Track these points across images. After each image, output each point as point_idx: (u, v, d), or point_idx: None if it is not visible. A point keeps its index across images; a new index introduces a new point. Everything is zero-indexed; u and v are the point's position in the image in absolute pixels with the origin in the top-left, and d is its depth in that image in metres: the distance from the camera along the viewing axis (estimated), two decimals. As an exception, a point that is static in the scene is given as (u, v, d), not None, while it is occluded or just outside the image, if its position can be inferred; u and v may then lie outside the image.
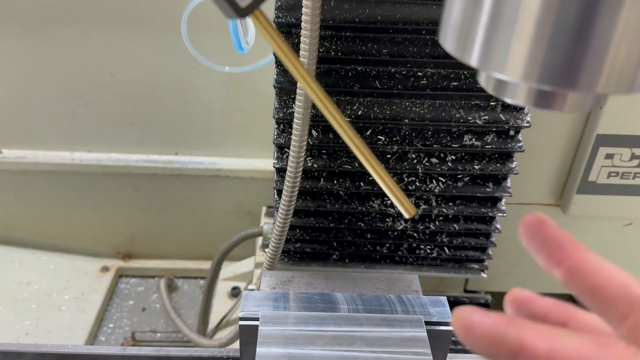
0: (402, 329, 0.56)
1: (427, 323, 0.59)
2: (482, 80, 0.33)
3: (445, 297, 0.61)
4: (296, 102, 0.61)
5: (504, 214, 0.77)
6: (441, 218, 0.79)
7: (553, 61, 0.27)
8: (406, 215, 0.36)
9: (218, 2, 0.29)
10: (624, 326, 0.29)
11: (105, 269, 1.39)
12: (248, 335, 0.57)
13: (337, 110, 0.34)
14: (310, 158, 0.74)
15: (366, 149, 0.37)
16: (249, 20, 0.32)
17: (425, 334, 0.56)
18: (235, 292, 1.21)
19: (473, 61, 0.29)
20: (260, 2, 0.29)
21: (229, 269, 1.26)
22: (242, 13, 0.29)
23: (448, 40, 0.31)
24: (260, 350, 0.54)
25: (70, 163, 1.26)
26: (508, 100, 0.31)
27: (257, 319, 0.58)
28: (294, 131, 0.63)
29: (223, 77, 1.17)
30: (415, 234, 0.80)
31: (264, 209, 1.18)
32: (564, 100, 0.30)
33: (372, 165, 0.36)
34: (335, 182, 0.76)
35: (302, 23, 0.56)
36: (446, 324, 0.58)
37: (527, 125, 0.70)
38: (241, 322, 0.58)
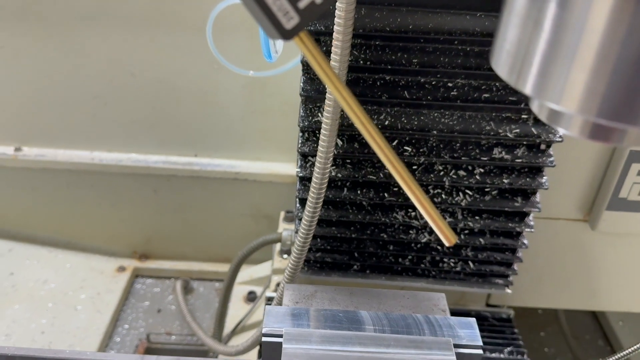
0: (430, 352, 0.54)
1: (456, 346, 0.56)
2: (535, 108, 0.31)
3: (474, 319, 0.58)
4: (324, 114, 0.60)
5: (532, 229, 0.75)
6: (466, 232, 0.77)
7: (614, 95, 0.25)
8: (446, 244, 0.34)
9: (262, 22, 0.27)
10: None
11: (121, 269, 1.39)
12: (271, 352, 0.56)
13: (376, 130, 0.33)
14: (334, 167, 0.73)
15: (407, 173, 0.35)
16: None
17: (454, 357, 0.54)
18: (251, 297, 1.19)
19: (527, 89, 0.28)
20: (306, 24, 0.27)
21: (245, 272, 1.24)
22: (287, 35, 0.27)
23: (501, 65, 0.29)
24: (283, 369, 0.52)
25: (89, 162, 1.26)
26: (562, 131, 0.30)
27: (280, 336, 0.56)
28: (320, 142, 0.62)
29: (244, 80, 1.16)
30: (439, 247, 0.78)
31: (282, 214, 1.16)
32: (623, 134, 0.28)
33: (411, 188, 0.35)
34: (358, 192, 0.75)
35: (334, 33, 0.54)
36: (476, 347, 0.56)
37: (560, 139, 0.68)
38: (264, 339, 0.56)
